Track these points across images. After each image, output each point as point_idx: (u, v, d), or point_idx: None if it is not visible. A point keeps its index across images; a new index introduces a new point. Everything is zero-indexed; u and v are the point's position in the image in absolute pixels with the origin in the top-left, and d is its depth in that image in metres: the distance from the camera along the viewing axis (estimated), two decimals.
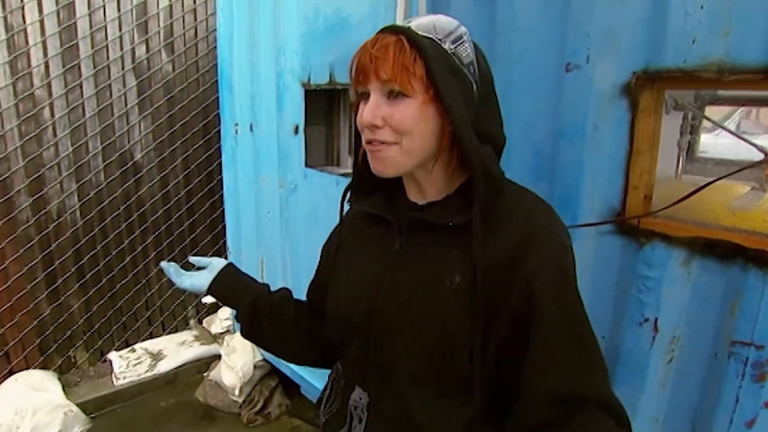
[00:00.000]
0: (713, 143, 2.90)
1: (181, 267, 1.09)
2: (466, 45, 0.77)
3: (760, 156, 2.09)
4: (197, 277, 1.06)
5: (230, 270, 1.07)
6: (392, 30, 0.75)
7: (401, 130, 0.75)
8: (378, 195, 0.90)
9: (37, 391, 2.63)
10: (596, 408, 0.70)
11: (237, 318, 1.07)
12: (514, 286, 0.73)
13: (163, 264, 1.10)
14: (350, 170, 2.28)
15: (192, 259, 1.11)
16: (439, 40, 0.75)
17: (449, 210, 0.79)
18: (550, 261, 0.74)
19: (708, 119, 2.40)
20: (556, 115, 1.30)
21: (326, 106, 2.39)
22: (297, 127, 2.31)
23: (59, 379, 2.85)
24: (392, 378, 0.82)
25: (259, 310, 1.03)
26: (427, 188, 0.84)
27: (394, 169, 0.79)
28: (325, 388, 0.99)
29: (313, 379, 2.50)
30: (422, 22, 0.76)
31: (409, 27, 0.75)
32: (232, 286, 1.06)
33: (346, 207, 0.95)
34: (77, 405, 2.66)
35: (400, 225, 0.85)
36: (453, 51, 0.75)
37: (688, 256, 1.14)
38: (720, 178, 1.14)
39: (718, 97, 2.51)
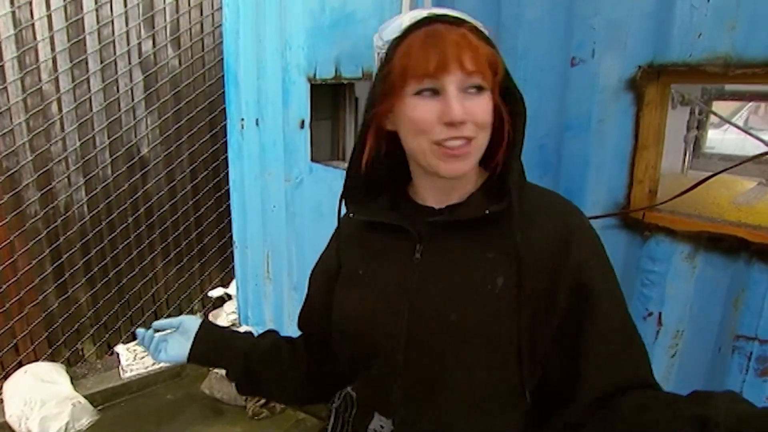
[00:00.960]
0: (720, 139, 2.88)
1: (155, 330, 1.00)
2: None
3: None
4: (172, 345, 0.97)
5: (208, 330, 0.98)
6: (453, 21, 0.68)
7: (483, 125, 0.69)
8: (380, 202, 0.83)
9: (46, 383, 2.66)
10: (653, 389, 0.71)
11: (228, 377, 0.98)
12: (559, 281, 0.70)
13: (140, 332, 1.00)
14: None
15: (156, 324, 1.00)
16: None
17: (480, 203, 0.74)
18: (592, 253, 0.72)
19: (715, 114, 2.39)
20: (561, 109, 1.30)
21: (332, 101, 2.40)
22: (303, 122, 2.32)
23: (67, 371, 2.88)
24: (429, 400, 0.75)
25: (253, 366, 0.96)
26: (459, 188, 0.78)
27: (469, 167, 0.72)
28: (328, 418, 0.88)
29: None
30: (457, 15, 0.70)
31: (464, 17, 0.70)
32: (216, 349, 0.97)
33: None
34: (85, 397, 2.69)
35: (419, 232, 0.77)
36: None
37: (693, 251, 1.14)
38: (721, 172, 1.14)
39: (725, 92, 2.50)
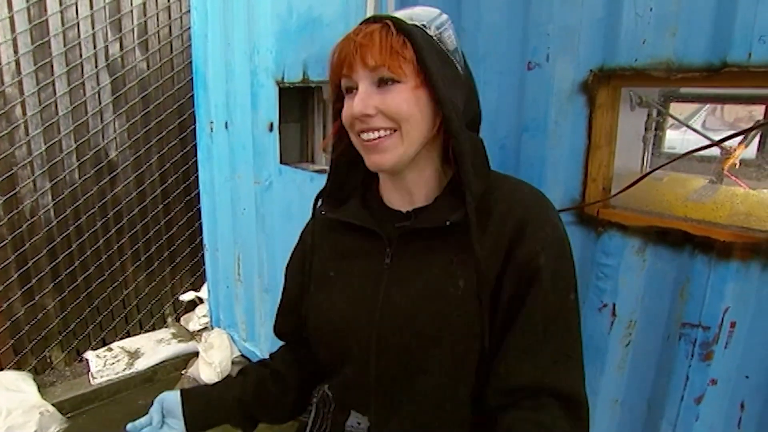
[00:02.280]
0: (681, 139, 3.00)
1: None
2: (450, 31, 0.77)
3: (723, 152, 2.18)
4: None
5: (192, 398, 0.91)
6: (375, 19, 0.73)
7: (397, 116, 0.72)
8: (351, 203, 0.85)
9: (12, 392, 2.61)
10: (549, 397, 0.70)
11: (232, 424, 0.95)
12: (510, 273, 0.73)
13: (129, 427, 0.90)
14: (324, 167, 2.31)
15: (131, 427, 0.89)
16: (423, 25, 0.73)
17: (442, 211, 0.76)
18: (545, 246, 0.73)
19: (671, 116, 2.49)
20: (519, 111, 1.35)
21: (300, 104, 2.42)
22: (272, 125, 2.33)
23: (34, 379, 2.82)
24: (401, 400, 0.77)
25: (249, 408, 0.93)
26: (416, 191, 0.81)
27: (394, 160, 0.74)
28: (309, 412, 0.91)
29: None
30: (403, 13, 0.75)
31: (392, 15, 0.73)
32: (209, 410, 0.91)
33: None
34: (53, 405, 2.64)
35: (388, 236, 0.80)
36: (438, 36, 0.74)
37: (643, 244, 1.21)
38: (658, 168, 1.22)
39: (681, 94, 2.60)
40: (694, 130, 1.96)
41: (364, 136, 0.74)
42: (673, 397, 1.16)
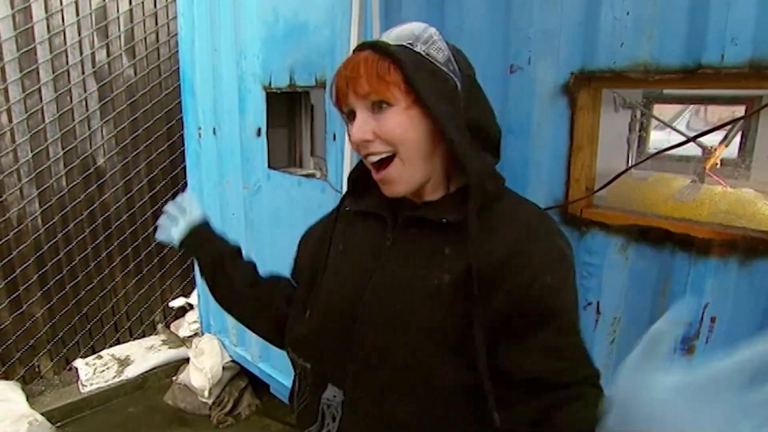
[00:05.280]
0: (666, 139, 3.04)
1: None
2: (439, 44, 0.77)
3: (705, 151, 2.23)
4: (174, 230, 1.10)
5: (202, 228, 1.10)
6: (363, 47, 0.76)
7: (391, 140, 0.75)
8: (374, 192, 0.87)
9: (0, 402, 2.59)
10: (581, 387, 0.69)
11: (200, 268, 1.09)
12: (506, 288, 0.72)
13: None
14: (312, 171, 2.33)
15: (176, 203, 1.14)
16: (410, 44, 0.75)
17: (444, 208, 0.79)
18: (547, 270, 0.72)
19: (654, 117, 2.53)
20: (503, 113, 1.37)
21: (288, 109, 2.43)
22: (259, 130, 2.34)
23: (22, 389, 2.80)
24: (372, 380, 0.79)
25: (226, 269, 1.05)
26: (424, 193, 0.83)
27: (405, 187, 0.78)
28: (294, 382, 0.94)
29: (283, 379, 2.53)
30: (391, 34, 0.77)
31: (378, 40, 0.76)
32: (202, 245, 1.08)
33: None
34: (42, 414, 2.62)
35: (395, 221, 0.83)
36: (426, 52, 0.75)
37: (625, 243, 1.23)
38: (633, 166, 1.24)
39: (664, 95, 2.65)
40: (677, 131, 1.99)
41: (369, 158, 0.78)
42: None
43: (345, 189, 0.94)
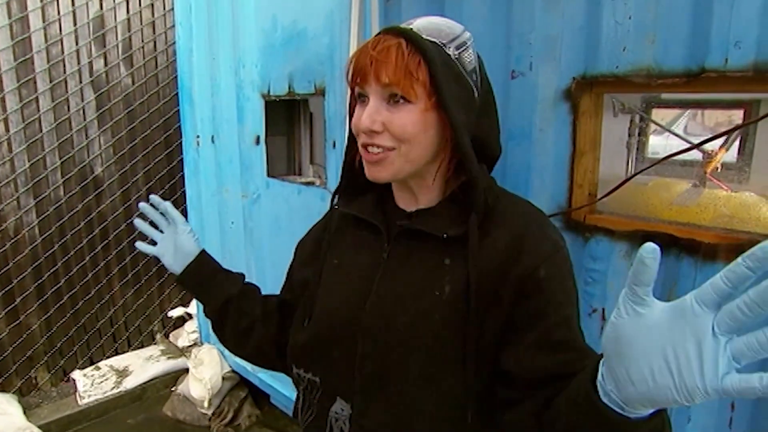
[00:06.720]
0: (665, 144, 3.04)
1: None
2: (470, 51, 0.76)
3: (705, 155, 2.22)
4: (166, 248, 1.07)
5: (202, 263, 1.05)
6: (395, 32, 0.72)
7: (401, 137, 0.72)
8: (367, 198, 0.87)
9: None
10: None
11: (205, 313, 1.05)
12: (507, 289, 0.72)
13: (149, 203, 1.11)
14: (312, 179, 2.32)
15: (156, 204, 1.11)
16: (443, 44, 0.72)
17: (443, 219, 0.77)
18: (543, 263, 0.72)
19: (653, 121, 2.53)
20: (504, 119, 1.35)
21: (286, 117, 2.43)
22: (258, 138, 2.33)
23: (19, 401, 2.77)
24: (381, 390, 0.78)
25: (229, 312, 1.01)
26: (420, 197, 0.82)
27: (391, 175, 0.76)
28: (298, 398, 0.92)
29: (283, 389, 2.51)
30: (425, 25, 0.73)
31: (412, 29, 0.72)
32: (202, 285, 1.04)
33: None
34: (39, 427, 2.59)
35: (389, 232, 0.81)
36: (457, 57, 0.73)
37: (630, 249, 1.22)
38: (640, 171, 1.23)
39: (663, 100, 2.65)
40: (676, 135, 1.99)
41: (370, 149, 0.75)
42: None
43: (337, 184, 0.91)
